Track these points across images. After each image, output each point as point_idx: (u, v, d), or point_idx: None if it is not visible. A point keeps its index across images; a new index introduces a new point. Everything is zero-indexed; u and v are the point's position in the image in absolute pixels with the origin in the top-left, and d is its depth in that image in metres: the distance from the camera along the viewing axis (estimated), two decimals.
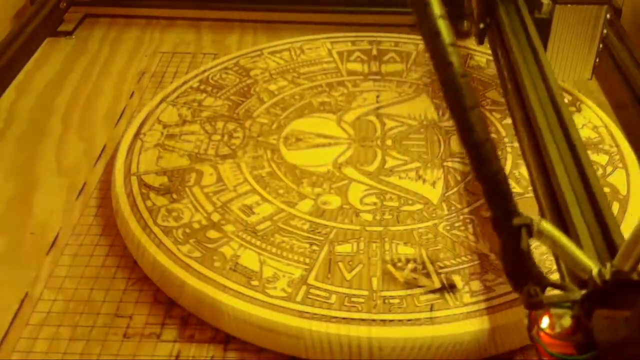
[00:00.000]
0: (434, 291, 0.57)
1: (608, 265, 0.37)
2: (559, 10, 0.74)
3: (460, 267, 0.59)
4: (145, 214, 0.63)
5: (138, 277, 0.61)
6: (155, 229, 0.62)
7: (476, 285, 0.57)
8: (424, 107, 0.79)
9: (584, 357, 0.37)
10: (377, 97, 0.81)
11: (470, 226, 0.63)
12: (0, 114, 0.83)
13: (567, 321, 0.38)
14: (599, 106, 0.80)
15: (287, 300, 0.56)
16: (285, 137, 0.74)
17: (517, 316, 0.54)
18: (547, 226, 0.39)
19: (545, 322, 0.39)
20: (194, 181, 0.68)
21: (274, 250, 0.60)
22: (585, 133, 0.74)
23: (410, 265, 0.59)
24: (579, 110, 0.78)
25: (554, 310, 0.39)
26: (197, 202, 0.65)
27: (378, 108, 0.79)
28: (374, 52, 0.89)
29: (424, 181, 0.69)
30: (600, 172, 0.69)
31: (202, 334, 0.57)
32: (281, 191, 0.67)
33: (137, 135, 0.74)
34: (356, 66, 0.86)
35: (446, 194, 0.67)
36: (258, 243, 0.61)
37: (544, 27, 0.75)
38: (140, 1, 1.04)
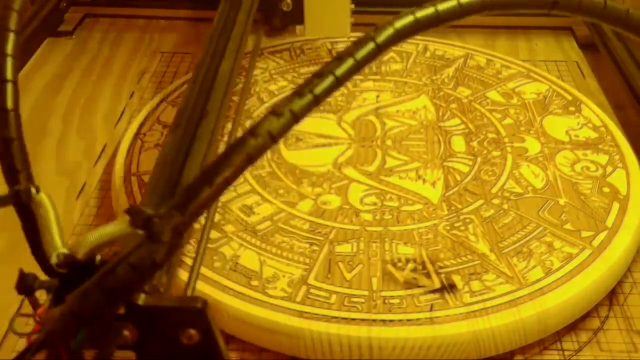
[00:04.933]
0: (433, 291, 0.57)
1: (64, 250, 0.36)
2: None
3: (460, 267, 0.59)
4: None
5: None
6: None
7: (476, 285, 0.57)
8: (424, 107, 0.79)
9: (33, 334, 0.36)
10: (377, 97, 0.81)
11: (470, 226, 0.63)
12: None
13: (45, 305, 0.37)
14: (599, 106, 0.79)
15: (287, 300, 0.56)
16: (285, 137, 0.74)
17: (517, 316, 0.54)
18: (42, 197, 0.39)
19: (41, 306, 0.38)
20: None
21: (274, 250, 0.60)
22: (584, 133, 0.74)
23: (410, 265, 0.59)
24: (578, 110, 0.78)
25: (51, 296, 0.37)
26: None
27: (378, 108, 0.79)
28: None
29: (424, 181, 0.69)
30: (600, 172, 0.69)
31: None
32: (281, 191, 0.67)
33: (137, 135, 0.74)
34: None
35: (446, 194, 0.67)
36: (258, 243, 0.61)
37: None
38: (140, 1, 1.04)
